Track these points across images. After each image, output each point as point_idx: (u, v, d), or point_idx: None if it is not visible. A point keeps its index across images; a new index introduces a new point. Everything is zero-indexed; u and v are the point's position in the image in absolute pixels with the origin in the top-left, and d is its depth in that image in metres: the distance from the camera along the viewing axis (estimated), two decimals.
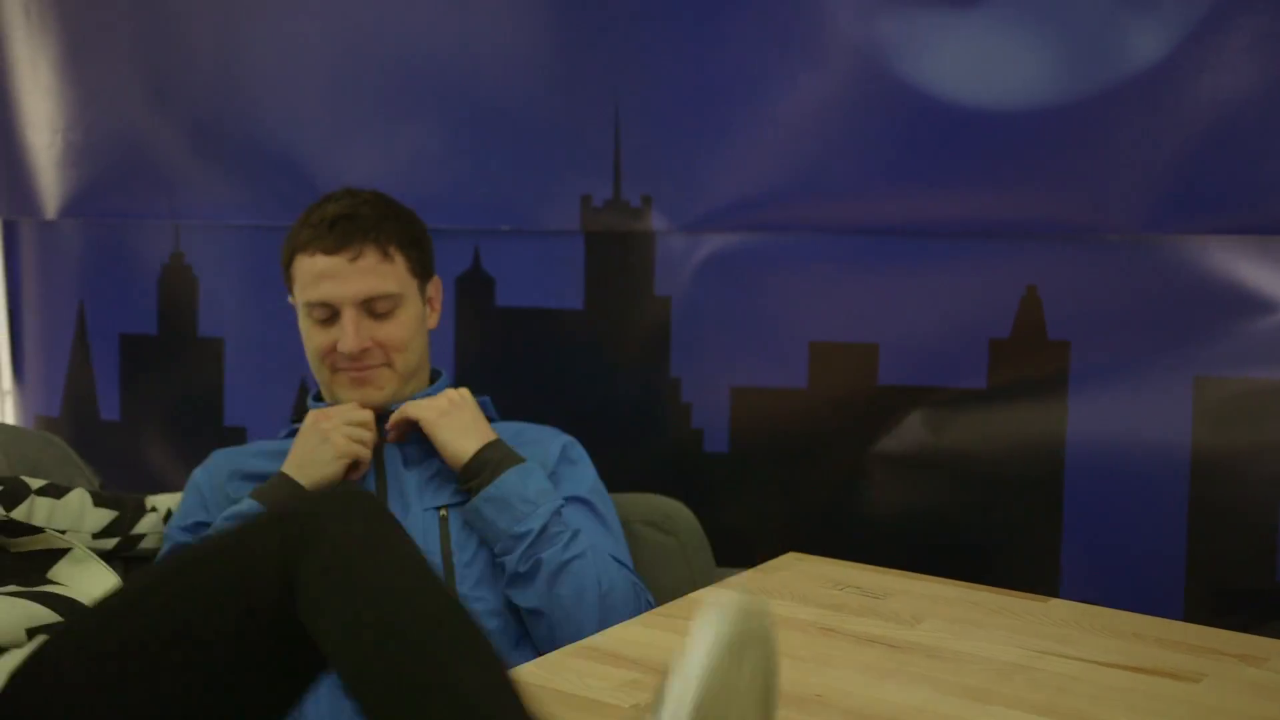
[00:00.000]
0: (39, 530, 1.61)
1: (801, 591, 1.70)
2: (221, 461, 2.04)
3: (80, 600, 1.51)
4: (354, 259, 1.94)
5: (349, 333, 1.94)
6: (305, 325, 2.01)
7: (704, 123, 2.20)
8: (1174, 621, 1.62)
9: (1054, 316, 2.08)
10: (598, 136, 2.26)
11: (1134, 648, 1.51)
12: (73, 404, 2.74)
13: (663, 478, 2.25)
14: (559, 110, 2.28)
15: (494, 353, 2.39)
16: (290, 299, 2.05)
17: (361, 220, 1.96)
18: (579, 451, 2.05)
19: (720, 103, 2.19)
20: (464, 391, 2.01)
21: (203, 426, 2.58)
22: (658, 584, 2.00)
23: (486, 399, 2.08)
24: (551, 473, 1.97)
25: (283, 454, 1.97)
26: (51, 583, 1.55)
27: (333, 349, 1.97)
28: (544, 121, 2.30)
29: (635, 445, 2.17)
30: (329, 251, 1.95)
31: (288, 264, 2.02)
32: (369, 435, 1.95)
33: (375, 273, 1.95)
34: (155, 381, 2.68)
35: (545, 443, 2.02)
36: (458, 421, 1.95)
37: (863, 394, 2.18)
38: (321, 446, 1.91)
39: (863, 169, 2.13)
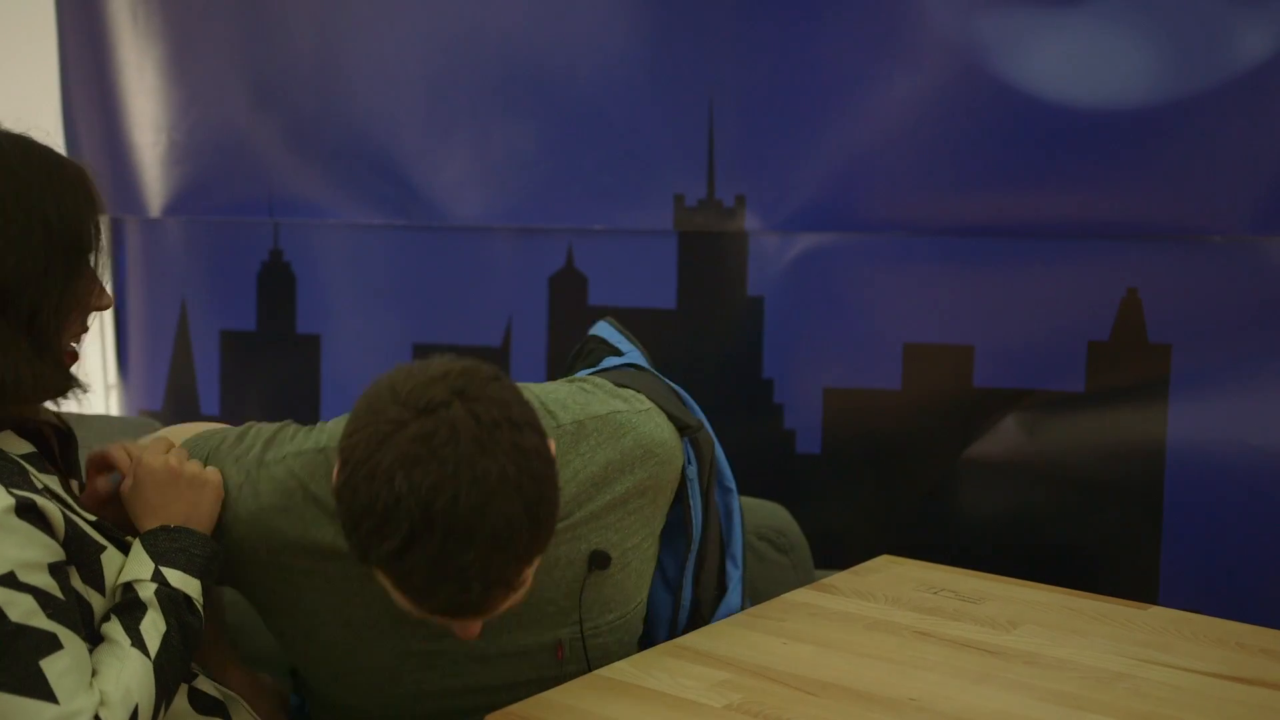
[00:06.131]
0: None
1: (896, 594, 1.69)
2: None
3: None
4: (480, 619, 1.36)
5: (472, 634, 1.39)
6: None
7: (799, 122, 2.20)
8: (1278, 631, 1.59)
9: (1155, 319, 2.05)
10: (691, 136, 2.26)
11: (1237, 657, 1.48)
12: (174, 399, 2.80)
13: (755, 479, 2.24)
14: (653, 110, 2.29)
15: None
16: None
17: (495, 587, 1.30)
18: None
19: (815, 102, 2.18)
20: None
21: (300, 421, 2.62)
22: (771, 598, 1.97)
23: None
24: None
25: None
26: None
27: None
28: (638, 121, 2.30)
29: (727, 446, 2.16)
30: (443, 615, 1.34)
31: (359, 555, 1.31)
32: None
33: (510, 603, 1.36)
34: (254, 377, 2.72)
35: None
36: None
37: (958, 396, 2.16)
38: None
39: (960, 169, 2.11)
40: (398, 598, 1.32)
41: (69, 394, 1.40)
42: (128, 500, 1.46)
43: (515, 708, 1.40)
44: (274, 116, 2.60)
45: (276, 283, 2.66)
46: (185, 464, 1.47)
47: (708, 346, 2.33)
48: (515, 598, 1.34)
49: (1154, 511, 2.05)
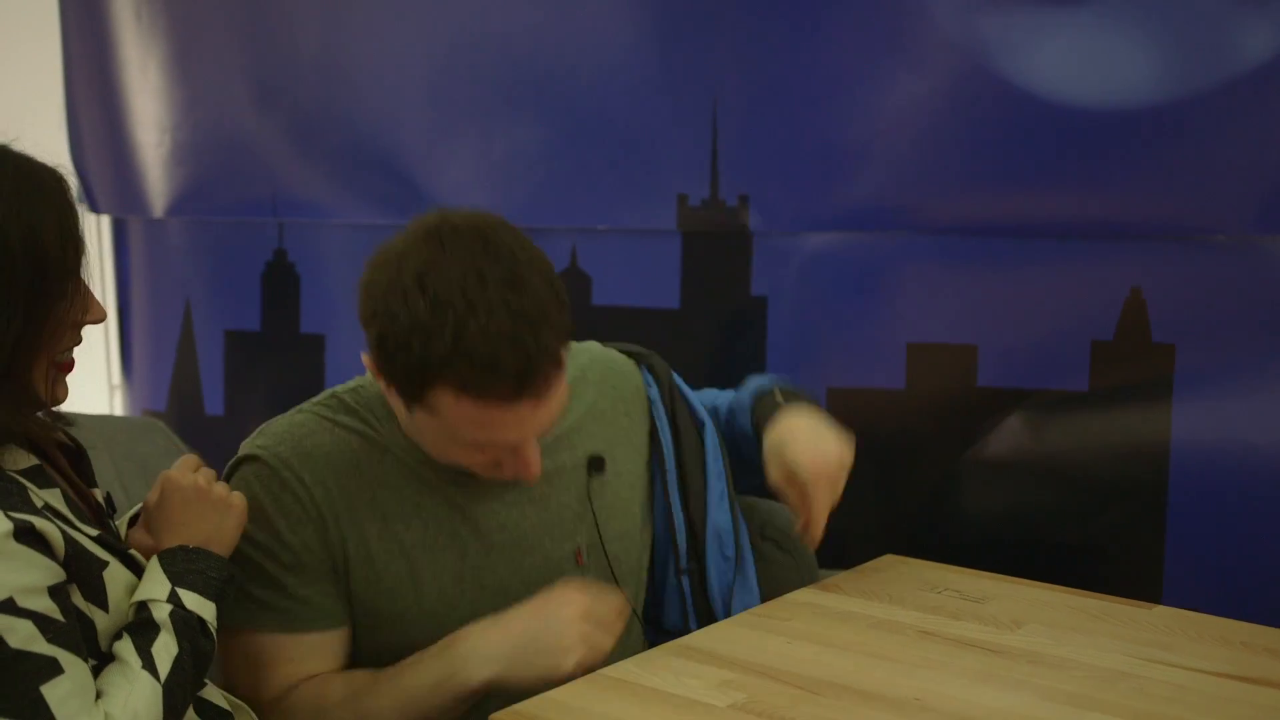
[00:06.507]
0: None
1: (900, 594, 1.69)
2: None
3: None
4: (538, 402, 1.46)
5: (533, 465, 1.52)
6: (438, 439, 1.52)
7: (802, 122, 2.20)
8: None
9: (1159, 318, 2.04)
10: (695, 136, 2.26)
11: (1242, 657, 1.48)
12: (178, 399, 2.80)
13: (758, 478, 2.24)
14: (656, 110, 2.29)
15: None
16: (401, 403, 1.52)
17: (546, 355, 1.43)
18: None
19: (819, 102, 2.18)
20: None
21: None
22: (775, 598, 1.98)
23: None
24: None
25: None
26: None
27: (493, 466, 1.54)
28: (641, 121, 2.30)
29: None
30: (507, 400, 1.43)
31: (418, 386, 1.45)
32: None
33: (557, 399, 1.49)
34: (258, 377, 2.73)
35: None
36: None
37: (961, 396, 2.16)
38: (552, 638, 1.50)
39: (963, 168, 2.11)
40: (461, 415, 1.43)
41: (35, 417, 1.36)
42: (150, 515, 1.46)
43: (519, 706, 1.40)
44: (278, 116, 2.60)
45: (281, 283, 2.66)
46: (214, 484, 1.47)
47: (711, 346, 2.33)
48: (562, 392, 1.48)
49: (1158, 511, 2.04)
